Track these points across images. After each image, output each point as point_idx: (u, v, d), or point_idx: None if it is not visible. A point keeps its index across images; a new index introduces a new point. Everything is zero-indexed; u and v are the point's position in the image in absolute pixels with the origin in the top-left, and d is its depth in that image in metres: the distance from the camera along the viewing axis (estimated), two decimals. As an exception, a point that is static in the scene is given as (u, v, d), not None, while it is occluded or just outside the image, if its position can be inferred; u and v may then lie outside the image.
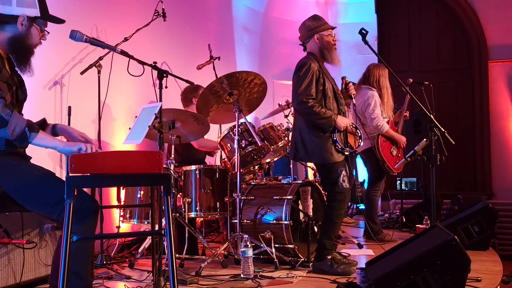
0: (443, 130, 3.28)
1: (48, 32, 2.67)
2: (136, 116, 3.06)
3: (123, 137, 4.61)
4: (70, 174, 2.09)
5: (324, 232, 3.60)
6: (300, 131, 3.67)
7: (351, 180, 3.65)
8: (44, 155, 3.89)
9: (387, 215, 6.21)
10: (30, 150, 2.61)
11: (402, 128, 5.35)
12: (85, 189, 2.36)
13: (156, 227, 3.28)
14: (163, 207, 2.27)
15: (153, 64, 3.06)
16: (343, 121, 3.55)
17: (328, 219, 3.59)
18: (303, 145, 3.64)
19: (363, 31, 3.53)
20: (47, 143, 2.41)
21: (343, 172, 3.54)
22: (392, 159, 4.99)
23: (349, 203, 6.56)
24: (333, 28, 3.78)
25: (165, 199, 2.16)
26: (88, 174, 2.15)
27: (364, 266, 3.17)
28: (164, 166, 3.61)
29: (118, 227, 4.25)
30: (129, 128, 3.00)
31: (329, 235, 3.57)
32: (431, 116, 3.28)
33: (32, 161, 2.63)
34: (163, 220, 3.26)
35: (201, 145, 4.84)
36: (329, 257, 3.53)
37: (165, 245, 3.06)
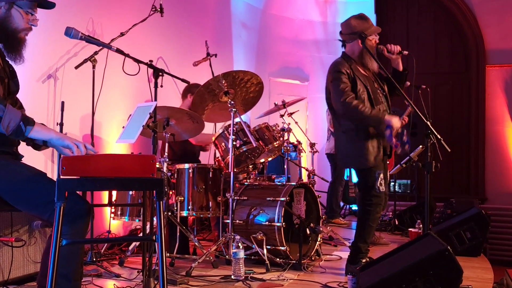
0: (439, 137, 3.25)
1: (37, 18, 2.56)
2: (130, 115, 3.02)
3: (116, 133, 4.58)
4: (61, 177, 2.05)
5: (360, 236, 3.56)
6: (338, 137, 3.64)
7: (385, 182, 3.61)
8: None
9: (379, 217, 6.19)
10: (22, 146, 2.57)
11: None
12: (76, 191, 2.32)
13: (148, 226, 3.25)
14: (155, 209, 2.24)
15: (149, 63, 3.02)
16: (393, 120, 3.37)
17: (363, 223, 3.55)
18: (341, 151, 3.62)
19: (362, 35, 3.49)
20: (42, 136, 2.33)
21: (381, 175, 3.49)
22: None
23: (342, 204, 6.55)
24: (379, 31, 3.63)
25: (157, 204, 2.12)
26: (79, 177, 2.11)
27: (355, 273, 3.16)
28: (157, 164, 3.59)
29: (109, 231, 4.23)
30: (123, 127, 2.96)
31: (365, 239, 3.55)
32: (428, 123, 3.25)
33: (24, 154, 2.58)
34: (155, 219, 3.24)
35: (199, 140, 4.81)
36: (364, 260, 3.52)
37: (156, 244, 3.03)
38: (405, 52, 3.58)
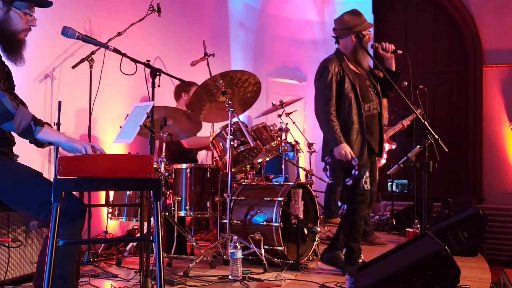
0: (437, 137, 3.25)
1: (36, 18, 2.56)
2: (127, 115, 3.01)
3: (113, 133, 4.57)
4: (58, 177, 2.04)
5: (350, 236, 3.58)
6: (324, 136, 3.66)
7: (373, 182, 3.62)
8: (32, 149, 3.83)
9: (377, 217, 6.20)
10: (16, 146, 2.56)
11: (396, 133, 5.32)
12: (72, 191, 2.32)
13: (145, 226, 3.24)
14: (152, 209, 2.23)
15: (146, 63, 3.01)
16: (342, 151, 3.44)
17: (351, 223, 3.57)
18: (324, 148, 3.64)
19: (360, 35, 3.50)
20: (51, 138, 2.35)
21: (366, 174, 3.50)
22: None
23: (339, 204, 6.54)
24: (371, 27, 3.65)
25: (155, 205, 2.12)
26: (76, 177, 2.10)
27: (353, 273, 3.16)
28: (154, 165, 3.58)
29: (106, 231, 4.21)
30: (120, 127, 2.95)
31: (355, 237, 3.57)
32: (426, 123, 3.25)
33: (19, 153, 2.57)
34: (152, 219, 3.23)
35: (191, 144, 4.80)
36: (360, 260, 3.54)
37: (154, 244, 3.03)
38: (399, 52, 3.58)
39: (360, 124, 3.51)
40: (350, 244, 3.56)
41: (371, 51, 3.64)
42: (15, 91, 2.63)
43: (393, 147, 5.19)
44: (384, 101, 5.13)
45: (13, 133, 2.48)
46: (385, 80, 3.68)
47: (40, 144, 2.48)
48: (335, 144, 3.46)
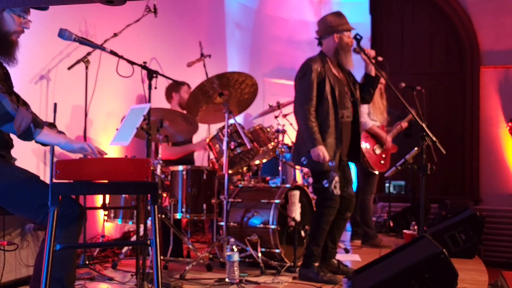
0: (434, 139, 3.25)
1: (30, 21, 2.54)
2: (123, 117, 2.99)
3: (109, 135, 4.54)
4: (55, 180, 2.02)
5: (312, 238, 3.53)
6: (297, 138, 3.64)
7: (347, 185, 3.59)
8: (28, 152, 3.81)
9: (374, 218, 6.18)
10: (14, 149, 2.54)
11: (395, 135, 5.31)
12: (69, 194, 2.29)
13: (141, 229, 3.22)
14: (149, 212, 2.21)
15: (143, 64, 2.99)
16: (321, 153, 3.41)
17: (317, 226, 3.51)
18: (297, 150, 3.61)
19: (357, 36, 3.49)
20: (51, 140, 2.38)
21: (336, 178, 3.45)
22: (373, 157, 4.96)
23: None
24: (353, 29, 3.65)
25: (152, 208, 2.10)
26: (72, 181, 2.08)
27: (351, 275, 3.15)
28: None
29: (103, 235, 4.20)
30: (116, 129, 2.93)
31: (317, 241, 3.51)
32: (423, 125, 3.25)
33: (14, 155, 2.55)
34: (148, 221, 3.21)
35: (174, 153, 4.76)
36: (316, 264, 3.48)
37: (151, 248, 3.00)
38: (380, 58, 3.63)
39: (335, 129, 3.50)
40: (311, 247, 3.50)
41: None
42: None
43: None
44: (384, 102, 5.13)
45: (11, 136, 2.47)
46: (364, 85, 3.72)
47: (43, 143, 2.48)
48: (313, 145, 3.43)
